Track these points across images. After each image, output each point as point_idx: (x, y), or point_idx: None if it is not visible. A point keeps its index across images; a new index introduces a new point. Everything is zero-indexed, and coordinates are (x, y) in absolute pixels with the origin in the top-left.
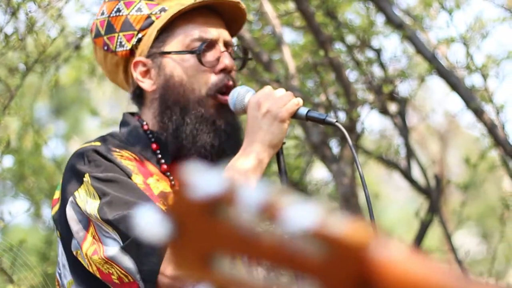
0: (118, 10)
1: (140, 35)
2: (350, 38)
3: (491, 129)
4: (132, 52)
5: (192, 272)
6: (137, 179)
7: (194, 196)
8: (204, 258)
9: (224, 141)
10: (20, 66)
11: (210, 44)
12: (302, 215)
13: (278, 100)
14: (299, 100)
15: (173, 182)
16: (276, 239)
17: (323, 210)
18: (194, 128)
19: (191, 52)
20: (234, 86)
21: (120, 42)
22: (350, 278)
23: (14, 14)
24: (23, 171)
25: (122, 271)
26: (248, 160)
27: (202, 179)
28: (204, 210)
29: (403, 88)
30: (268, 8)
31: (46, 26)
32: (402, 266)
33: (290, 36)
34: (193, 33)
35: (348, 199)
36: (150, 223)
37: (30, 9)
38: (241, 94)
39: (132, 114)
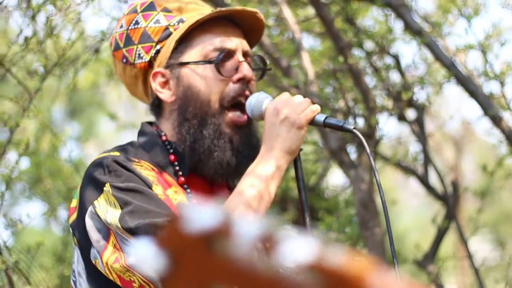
0: (137, 23)
1: (158, 47)
2: (369, 45)
3: (509, 136)
4: (150, 63)
5: None
6: (158, 189)
7: (189, 229)
8: None
9: (240, 161)
10: (39, 69)
11: (228, 54)
12: (298, 248)
13: (296, 107)
14: (317, 107)
15: (190, 195)
16: (273, 272)
17: (319, 243)
18: (212, 144)
19: (209, 62)
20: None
21: (139, 54)
22: None
23: (33, 17)
24: (40, 173)
25: (144, 279)
26: (267, 167)
27: (198, 213)
28: (200, 243)
29: (421, 95)
30: (288, 13)
31: (65, 29)
32: None
33: (309, 42)
34: (211, 43)
35: (365, 205)
36: (146, 256)
37: (49, 12)
38: (259, 101)
39: (150, 123)
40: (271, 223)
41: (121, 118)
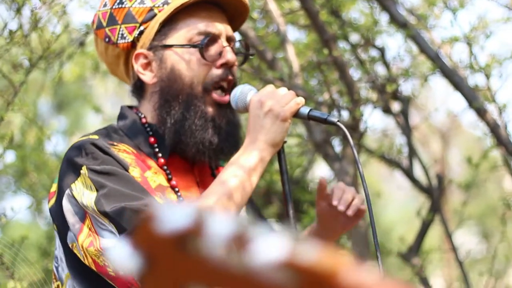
0: (121, 2)
1: (142, 28)
2: (354, 37)
3: (494, 128)
4: (133, 44)
5: None
6: (135, 172)
7: (162, 230)
8: None
9: (223, 139)
10: (24, 62)
11: (213, 39)
12: (271, 245)
13: (280, 99)
14: (301, 99)
15: (169, 176)
16: (247, 270)
17: (292, 239)
18: (193, 124)
19: (193, 46)
20: (234, 81)
21: (122, 34)
22: None
23: (18, 10)
24: (26, 167)
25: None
26: (250, 158)
27: (170, 212)
28: (173, 243)
29: (406, 87)
30: (273, 6)
31: (51, 22)
32: None
33: (294, 34)
34: (196, 27)
35: None
36: (120, 257)
37: (34, 5)
38: (243, 93)
39: (130, 107)
40: (243, 221)
41: (107, 112)
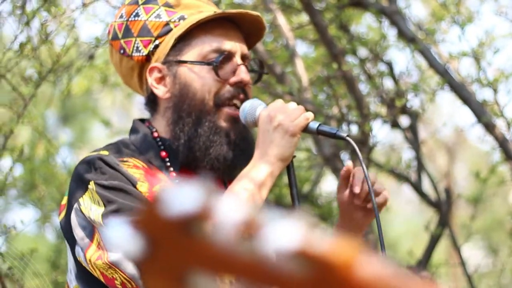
0: (137, 15)
1: (157, 42)
2: (363, 52)
3: (502, 143)
4: (148, 58)
5: None
6: (143, 187)
7: (168, 213)
8: (178, 276)
9: (237, 155)
10: (34, 75)
11: (227, 57)
12: (283, 233)
13: (289, 114)
14: (311, 114)
15: None
16: (255, 257)
17: (305, 227)
18: (208, 140)
19: (207, 63)
20: (246, 99)
21: (137, 47)
22: None
23: (27, 23)
24: (34, 180)
25: (125, 277)
26: (260, 172)
27: (177, 195)
28: (178, 227)
29: (414, 102)
30: (282, 20)
31: (60, 35)
32: (387, 284)
33: (303, 48)
34: (211, 44)
35: None
36: (120, 237)
37: (44, 18)
38: (252, 107)
39: (142, 120)
40: (253, 206)
41: (114, 125)
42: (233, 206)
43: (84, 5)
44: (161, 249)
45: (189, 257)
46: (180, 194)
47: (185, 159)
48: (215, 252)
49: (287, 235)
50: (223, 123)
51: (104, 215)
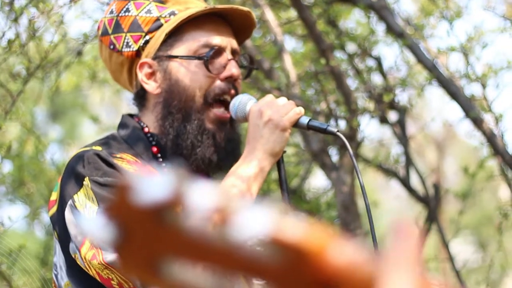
0: (127, 10)
1: (147, 37)
2: (351, 47)
3: (490, 138)
4: (138, 53)
5: (140, 277)
6: None
7: (140, 200)
8: (152, 263)
9: (223, 158)
10: (22, 71)
11: (218, 51)
12: (255, 219)
13: (279, 109)
14: (301, 109)
15: None
16: (228, 245)
17: (277, 214)
18: (195, 139)
19: (198, 58)
20: (236, 95)
21: (127, 43)
22: (307, 283)
23: (16, 19)
24: (23, 176)
25: (122, 277)
26: (249, 168)
27: (149, 184)
28: (149, 215)
29: (403, 97)
30: (270, 16)
31: (48, 32)
32: (361, 270)
33: (291, 44)
34: (202, 39)
35: (347, 207)
36: (95, 227)
37: (32, 15)
38: (243, 102)
39: (131, 115)
40: (226, 194)
41: (103, 121)
42: (205, 194)
43: (72, 1)
44: (134, 237)
45: (162, 245)
46: (151, 182)
47: (173, 156)
48: (188, 240)
49: (259, 222)
50: (210, 125)
51: (98, 214)
